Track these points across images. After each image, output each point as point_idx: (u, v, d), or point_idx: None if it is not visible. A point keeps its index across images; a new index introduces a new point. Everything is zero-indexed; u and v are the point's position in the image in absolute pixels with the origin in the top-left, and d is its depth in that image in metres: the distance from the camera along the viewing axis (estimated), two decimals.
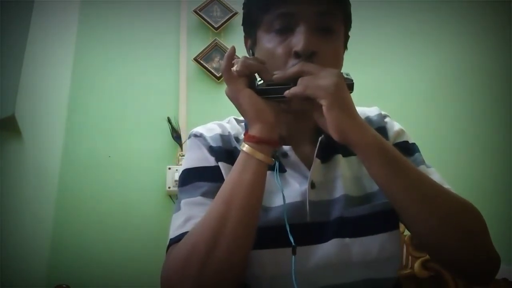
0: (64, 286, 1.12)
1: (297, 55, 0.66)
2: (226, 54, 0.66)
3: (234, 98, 0.66)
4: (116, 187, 1.62)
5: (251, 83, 0.67)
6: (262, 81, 0.68)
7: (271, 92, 0.65)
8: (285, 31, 0.68)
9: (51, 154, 1.53)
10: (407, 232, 1.20)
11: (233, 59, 0.66)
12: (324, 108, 0.59)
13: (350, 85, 0.64)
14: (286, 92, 0.63)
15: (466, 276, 0.68)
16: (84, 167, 1.62)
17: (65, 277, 1.41)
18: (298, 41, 0.66)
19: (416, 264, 1.15)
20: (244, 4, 0.76)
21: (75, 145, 1.65)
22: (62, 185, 1.59)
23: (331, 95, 0.59)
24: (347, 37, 0.76)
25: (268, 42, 0.69)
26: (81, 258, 1.52)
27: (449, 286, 1.12)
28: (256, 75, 0.69)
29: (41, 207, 1.42)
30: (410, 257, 1.19)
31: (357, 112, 0.62)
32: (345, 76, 0.64)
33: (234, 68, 0.65)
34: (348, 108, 0.61)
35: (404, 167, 0.62)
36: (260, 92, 0.66)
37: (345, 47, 0.77)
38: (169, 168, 1.64)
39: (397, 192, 0.62)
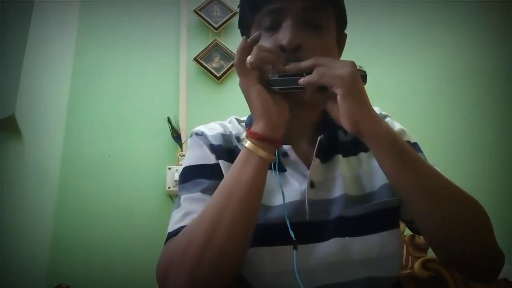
0: (64, 286, 1.12)
1: (283, 49, 0.67)
2: (238, 48, 0.65)
3: (245, 92, 0.66)
4: (116, 187, 1.62)
5: (264, 74, 0.66)
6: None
7: (283, 83, 0.65)
8: (274, 27, 0.69)
9: (51, 154, 1.53)
10: (407, 232, 1.20)
11: (246, 53, 0.65)
12: (339, 97, 0.59)
13: (363, 77, 0.64)
14: (301, 80, 0.62)
15: (471, 273, 0.68)
16: (84, 167, 1.62)
17: (65, 277, 1.40)
18: (283, 35, 0.67)
19: (416, 264, 1.15)
20: (238, 6, 0.77)
21: (75, 145, 1.65)
22: (62, 185, 1.59)
23: (348, 84, 0.59)
24: (341, 35, 0.76)
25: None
26: (81, 258, 1.52)
27: (449, 286, 1.12)
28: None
29: (41, 207, 1.42)
30: (410, 257, 1.19)
31: (370, 104, 0.62)
32: (358, 67, 0.64)
33: (248, 59, 0.65)
34: (362, 99, 0.61)
35: (414, 160, 0.62)
36: (273, 83, 0.66)
37: (342, 45, 0.77)
38: (169, 168, 1.64)
39: (406, 184, 0.62)
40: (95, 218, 1.57)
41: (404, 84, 1.94)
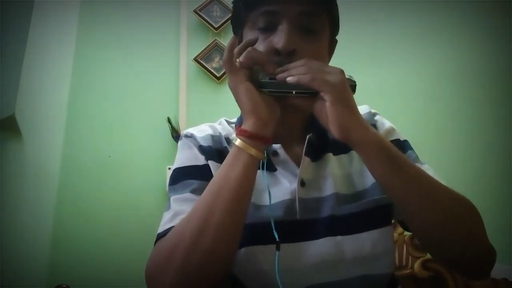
0: (64, 286, 1.13)
1: (277, 52, 0.67)
2: (227, 45, 0.66)
3: (233, 90, 0.66)
4: (116, 187, 1.62)
5: (254, 75, 0.66)
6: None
7: (273, 86, 0.65)
8: (269, 29, 0.69)
9: (51, 154, 1.53)
10: (407, 232, 1.20)
11: (234, 50, 0.65)
12: (328, 104, 0.59)
13: (353, 87, 0.64)
14: (289, 78, 0.62)
15: (464, 270, 0.69)
16: (84, 167, 1.62)
17: (65, 277, 1.40)
18: (279, 39, 0.67)
19: (416, 264, 1.15)
20: (233, 2, 0.77)
21: (75, 145, 1.65)
22: (62, 185, 1.59)
23: (338, 91, 0.59)
24: (333, 41, 0.76)
25: None
26: (81, 258, 1.52)
27: (449, 286, 1.12)
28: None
29: (41, 207, 1.42)
30: (410, 257, 1.19)
31: (358, 111, 0.62)
32: (348, 77, 0.64)
33: (238, 59, 0.65)
34: (351, 106, 0.61)
35: (404, 164, 0.62)
36: (263, 85, 0.65)
37: (332, 51, 0.77)
38: (169, 168, 1.64)
39: (397, 189, 0.62)
40: (95, 218, 1.57)
41: (404, 84, 1.94)
